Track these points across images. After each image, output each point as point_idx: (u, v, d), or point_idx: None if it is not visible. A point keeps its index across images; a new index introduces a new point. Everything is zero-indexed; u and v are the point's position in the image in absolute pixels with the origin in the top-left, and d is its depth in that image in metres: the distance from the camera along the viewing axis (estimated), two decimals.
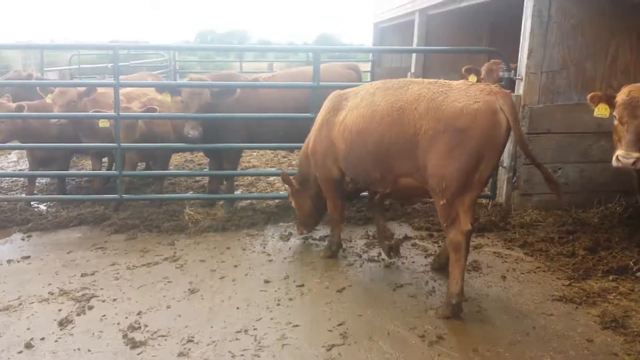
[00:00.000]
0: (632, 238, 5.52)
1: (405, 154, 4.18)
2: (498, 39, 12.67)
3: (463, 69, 7.72)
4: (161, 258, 5.41)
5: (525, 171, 6.40)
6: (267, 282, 4.83)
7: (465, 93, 3.95)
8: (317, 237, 5.95)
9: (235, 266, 5.21)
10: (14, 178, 8.33)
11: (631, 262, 4.93)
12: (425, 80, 4.32)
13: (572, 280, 4.71)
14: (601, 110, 4.72)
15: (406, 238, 5.90)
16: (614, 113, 4.58)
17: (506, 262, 5.23)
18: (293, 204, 5.78)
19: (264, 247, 5.69)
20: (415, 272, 5.01)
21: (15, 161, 10.14)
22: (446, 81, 4.20)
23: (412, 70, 12.69)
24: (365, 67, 19.13)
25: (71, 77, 15.06)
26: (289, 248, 5.67)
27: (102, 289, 4.68)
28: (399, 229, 6.20)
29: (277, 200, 6.94)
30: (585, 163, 6.41)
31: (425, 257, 5.38)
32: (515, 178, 6.45)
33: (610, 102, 4.68)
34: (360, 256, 5.42)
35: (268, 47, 22.62)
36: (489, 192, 6.64)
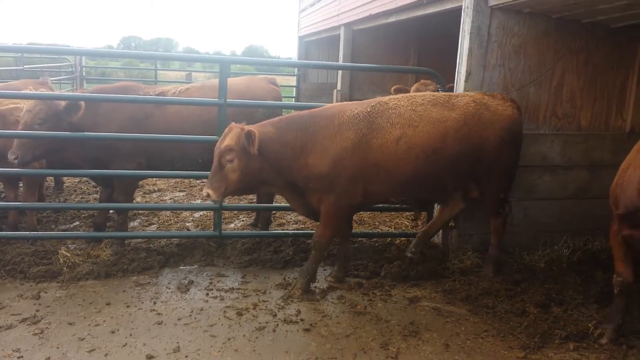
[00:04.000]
0: (587, 292, 4.84)
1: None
2: (427, 55, 12.19)
3: (392, 89, 6.96)
4: (18, 319, 4.18)
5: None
6: (150, 358, 3.71)
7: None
8: (225, 288, 4.88)
9: (113, 332, 4.05)
10: None
11: (590, 325, 4.20)
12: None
13: (528, 351, 3.90)
14: None
15: (330, 289, 4.94)
16: None
17: (448, 322, 4.38)
18: (233, 164, 4.43)
19: (155, 303, 4.56)
20: (340, 340, 4.04)
21: None
22: None
23: (339, 87, 11.93)
24: (291, 81, 18.30)
25: None
26: (187, 304, 4.56)
27: None
28: (323, 274, 5.25)
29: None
30: (529, 200, 5.73)
31: (355, 314, 4.44)
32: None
33: None
34: (275, 315, 4.39)
35: (169, 55, 20.87)
36: None
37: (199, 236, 5.85)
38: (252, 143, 4.32)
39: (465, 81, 5.45)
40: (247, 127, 4.40)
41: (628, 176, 3.84)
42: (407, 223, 7.08)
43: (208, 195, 4.45)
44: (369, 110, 4.69)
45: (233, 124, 4.52)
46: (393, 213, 7.21)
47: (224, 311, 4.45)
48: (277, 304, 4.61)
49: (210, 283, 5.00)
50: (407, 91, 6.93)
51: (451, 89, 5.73)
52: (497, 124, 4.88)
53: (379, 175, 4.64)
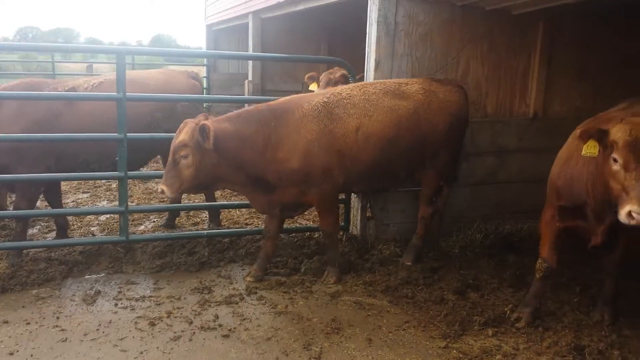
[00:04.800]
0: (501, 276, 4.96)
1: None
2: (338, 45, 12.18)
3: (306, 77, 6.85)
4: None
5: (380, 198, 5.63)
6: None
7: None
8: (136, 297, 4.57)
9: (12, 354, 3.68)
10: None
11: (507, 310, 4.30)
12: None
13: (449, 340, 3.92)
14: (591, 149, 3.63)
15: (250, 289, 4.76)
16: (615, 156, 3.46)
17: (370, 315, 4.33)
18: (187, 160, 4.37)
19: (58, 318, 4.19)
20: (261, 344, 3.89)
21: None
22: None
23: (250, 77, 11.66)
24: (201, 71, 17.75)
25: None
26: (94, 317, 4.22)
27: None
28: (242, 274, 5.06)
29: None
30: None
31: (276, 315, 4.30)
32: (369, 205, 5.65)
33: (602, 140, 3.59)
34: (191, 322, 4.15)
35: (65, 45, 19.50)
36: (343, 223, 5.78)
37: (103, 242, 5.47)
38: (206, 138, 4.27)
39: (375, 70, 5.41)
40: (202, 122, 4.34)
41: (573, 169, 3.91)
42: None
43: (162, 192, 4.45)
44: (325, 100, 4.73)
45: (188, 119, 4.50)
46: None
47: (135, 322, 4.16)
48: (193, 310, 4.37)
49: (119, 292, 4.68)
50: (317, 78, 6.84)
51: (362, 79, 5.68)
52: (445, 110, 5.00)
53: (345, 164, 4.71)
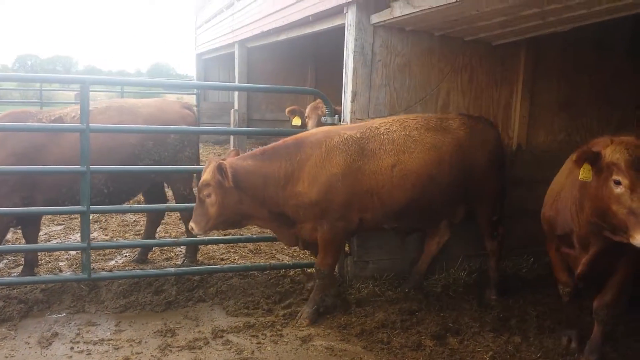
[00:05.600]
0: (483, 319, 4.71)
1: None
2: (324, 74, 12.07)
3: (287, 110, 6.67)
4: None
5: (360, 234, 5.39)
6: None
7: None
8: (94, 340, 4.29)
9: None
10: None
11: (487, 357, 4.03)
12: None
13: None
14: (586, 173, 3.44)
15: (216, 332, 4.48)
16: (617, 178, 3.22)
17: None
18: (211, 198, 4.43)
19: None
20: None
21: None
22: None
23: (236, 107, 11.51)
24: (192, 100, 17.65)
25: None
26: None
27: None
28: (210, 315, 4.79)
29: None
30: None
31: None
32: (347, 241, 5.41)
33: (596, 163, 3.38)
34: None
35: (25, 76, 19.42)
36: None
37: (64, 280, 5.19)
38: (225, 177, 4.29)
39: (352, 102, 5.23)
40: (219, 161, 4.37)
41: (562, 197, 3.89)
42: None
43: (192, 229, 4.53)
44: (358, 135, 4.59)
45: (212, 157, 4.59)
46: None
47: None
48: (152, 355, 4.09)
49: (78, 334, 4.41)
50: (302, 112, 6.66)
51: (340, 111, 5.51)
52: (485, 146, 4.94)
53: (373, 203, 4.56)
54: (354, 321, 4.68)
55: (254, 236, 6.38)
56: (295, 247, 6.56)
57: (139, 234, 7.06)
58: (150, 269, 5.84)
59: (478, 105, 5.74)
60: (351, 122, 5.29)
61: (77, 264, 6.04)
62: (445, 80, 5.58)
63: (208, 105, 16.73)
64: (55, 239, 7.07)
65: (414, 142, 4.62)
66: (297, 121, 6.51)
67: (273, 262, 6.15)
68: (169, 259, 6.33)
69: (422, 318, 4.71)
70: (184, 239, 6.19)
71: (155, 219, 6.36)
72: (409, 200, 4.60)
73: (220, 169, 4.30)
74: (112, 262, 6.16)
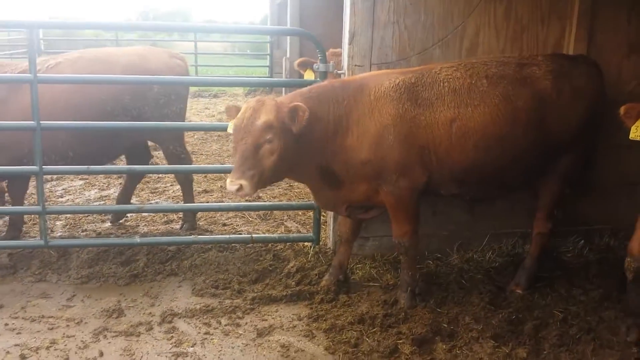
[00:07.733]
0: (490, 318, 3.71)
1: None
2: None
3: (296, 63, 5.82)
4: None
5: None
6: None
7: None
8: (34, 316, 3.84)
9: None
10: None
11: None
12: None
13: None
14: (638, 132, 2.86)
15: (165, 319, 3.87)
16: None
17: None
18: (272, 144, 3.52)
19: None
20: None
21: None
22: None
23: (288, 55, 10.76)
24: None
25: None
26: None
27: None
28: (173, 294, 4.20)
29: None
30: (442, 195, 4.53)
31: (174, 357, 3.38)
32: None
33: None
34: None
35: None
36: (311, 234, 4.74)
37: (22, 247, 4.79)
38: (298, 120, 3.53)
39: (349, 44, 4.26)
40: (294, 103, 3.57)
41: None
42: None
43: (240, 188, 3.45)
44: (413, 81, 3.83)
45: (262, 97, 3.78)
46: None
47: (7, 352, 3.43)
48: (82, 340, 3.57)
49: (23, 307, 4.01)
50: (312, 64, 5.73)
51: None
52: (579, 100, 3.95)
53: (430, 162, 3.82)
54: (330, 311, 3.88)
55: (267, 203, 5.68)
56: (310, 215, 5.86)
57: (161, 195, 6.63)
58: (121, 235, 5.35)
59: (517, 47, 4.49)
60: (348, 69, 4.35)
61: (72, 224, 5.69)
62: (474, 14, 4.40)
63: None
64: (70, 194, 6.79)
65: (480, 94, 3.77)
66: (309, 75, 5.58)
67: (279, 232, 5.44)
68: (168, 222, 5.81)
69: (412, 314, 3.79)
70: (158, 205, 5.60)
71: (135, 180, 5.88)
72: (471, 165, 3.81)
73: (294, 110, 3.52)
74: (108, 224, 5.73)
